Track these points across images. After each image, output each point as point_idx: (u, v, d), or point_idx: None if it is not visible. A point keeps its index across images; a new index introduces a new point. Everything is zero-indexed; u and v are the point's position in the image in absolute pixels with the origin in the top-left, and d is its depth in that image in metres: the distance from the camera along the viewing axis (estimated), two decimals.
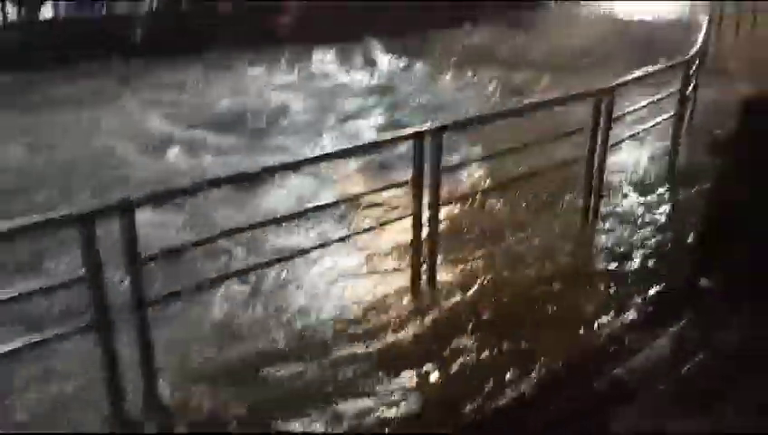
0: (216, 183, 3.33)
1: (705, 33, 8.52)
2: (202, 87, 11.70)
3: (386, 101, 10.56)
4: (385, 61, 15.26)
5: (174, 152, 7.41)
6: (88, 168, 6.82)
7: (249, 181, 4.57)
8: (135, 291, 2.74)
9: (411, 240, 3.90)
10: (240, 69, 13.41)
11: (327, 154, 3.94)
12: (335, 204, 4.21)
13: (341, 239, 4.14)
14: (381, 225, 4.29)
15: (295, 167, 4.17)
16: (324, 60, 15.60)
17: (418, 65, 14.23)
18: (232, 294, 3.84)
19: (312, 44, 16.17)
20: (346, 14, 19.12)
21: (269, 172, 4.08)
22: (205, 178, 3.34)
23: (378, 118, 9.50)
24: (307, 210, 3.90)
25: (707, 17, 10.58)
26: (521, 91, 10.80)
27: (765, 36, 13.78)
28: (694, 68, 6.76)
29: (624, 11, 27.85)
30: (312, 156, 3.74)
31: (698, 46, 7.13)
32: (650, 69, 5.86)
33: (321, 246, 3.90)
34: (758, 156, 3.56)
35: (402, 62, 14.76)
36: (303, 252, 3.87)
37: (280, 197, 5.39)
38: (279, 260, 3.73)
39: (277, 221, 3.82)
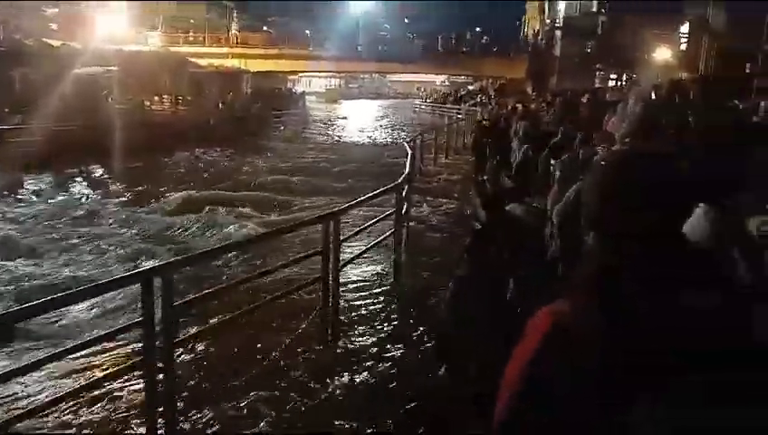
0: None
1: (410, 159, 9.83)
2: None
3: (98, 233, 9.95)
4: (104, 187, 14.53)
5: None
6: None
7: None
8: None
9: (146, 392, 3.55)
10: None
11: (35, 305, 3.44)
12: (49, 359, 3.67)
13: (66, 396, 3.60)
14: (104, 380, 3.81)
15: None
16: (39, 187, 14.24)
17: (138, 192, 13.67)
18: None
19: (27, 171, 14.79)
20: (74, 138, 17.95)
21: None
22: None
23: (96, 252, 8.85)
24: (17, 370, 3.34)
25: (411, 144, 12.30)
26: (244, 214, 11.06)
27: (459, 160, 16.40)
28: (405, 191, 7.69)
29: (346, 135, 31.09)
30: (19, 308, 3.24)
31: (407, 172, 8.15)
32: (368, 194, 6.48)
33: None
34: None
35: (121, 188, 14.11)
36: None
37: None
38: None
39: None
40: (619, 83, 27.46)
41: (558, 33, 37.52)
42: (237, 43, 44.64)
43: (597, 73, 33.14)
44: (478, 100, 40.17)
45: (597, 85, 26.68)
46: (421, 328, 5.39)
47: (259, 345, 4.95)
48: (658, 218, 1.11)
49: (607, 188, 1.16)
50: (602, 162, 1.24)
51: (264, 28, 52.55)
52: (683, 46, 25.93)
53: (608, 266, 1.11)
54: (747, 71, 16.58)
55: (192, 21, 46.50)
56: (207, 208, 11.70)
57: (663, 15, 25.58)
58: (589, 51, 34.65)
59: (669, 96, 8.03)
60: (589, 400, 1.00)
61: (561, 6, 38.01)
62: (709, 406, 0.97)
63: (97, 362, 4.61)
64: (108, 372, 4.07)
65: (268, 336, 5.13)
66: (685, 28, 25.98)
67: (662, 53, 25.64)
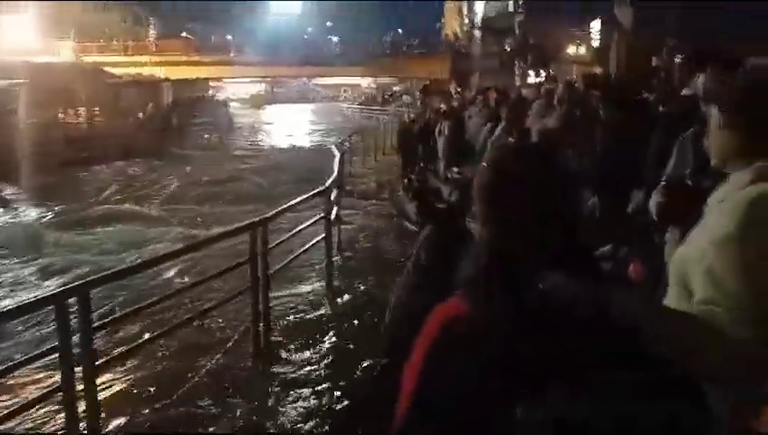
0: None
1: (338, 163, 9.78)
2: None
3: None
4: (15, 206, 13.74)
5: None
6: None
7: None
8: None
9: (66, 420, 3.36)
10: None
11: None
12: None
13: None
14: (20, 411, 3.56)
15: None
16: None
17: (53, 210, 12.94)
18: None
19: None
20: None
21: None
22: None
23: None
24: None
25: (338, 147, 12.24)
26: (168, 228, 10.71)
27: (388, 161, 16.47)
28: (334, 194, 7.65)
29: (272, 141, 30.67)
30: None
31: (335, 176, 8.10)
32: (297, 199, 6.39)
33: None
34: None
35: (35, 206, 13.34)
36: None
37: None
38: None
39: None
40: (537, 80, 28.41)
41: (477, 32, 38.42)
42: (155, 50, 43.26)
43: (517, 71, 34.14)
44: (404, 100, 40.57)
45: (518, 82, 27.49)
46: (356, 334, 5.35)
47: (188, 362, 4.79)
48: (549, 211, 1.14)
49: (496, 179, 1.18)
50: (495, 155, 1.26)
51: (183, 34, 51.16)
52: (595, 43, 27.10)
53: (507, 253, 1.12)
54: (654, 64, 17.46)
55: (106, 30, 44.68)
56: (129, 224, 11.24)
57: (575, 14, 26.73)
58: (508, 49, 35.67)
59: (584, 92, 8.34)
60: (491, 393, 1.00)
61: (479, 8, 38.92)
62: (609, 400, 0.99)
63: (12, 391, 4.33)
64: (26, 401, 3.82)
65: (197, 352, 4.97)
66: (596, 25, 27.16)
67: (576, 50, 26.70)
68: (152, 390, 4.38)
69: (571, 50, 26.58)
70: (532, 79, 29.61)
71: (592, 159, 5.14)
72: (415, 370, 1.11)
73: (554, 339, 1.00)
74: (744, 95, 1.38)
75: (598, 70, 20.67)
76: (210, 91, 51.54)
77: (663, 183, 2.52)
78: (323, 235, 6.73)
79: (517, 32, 35.18)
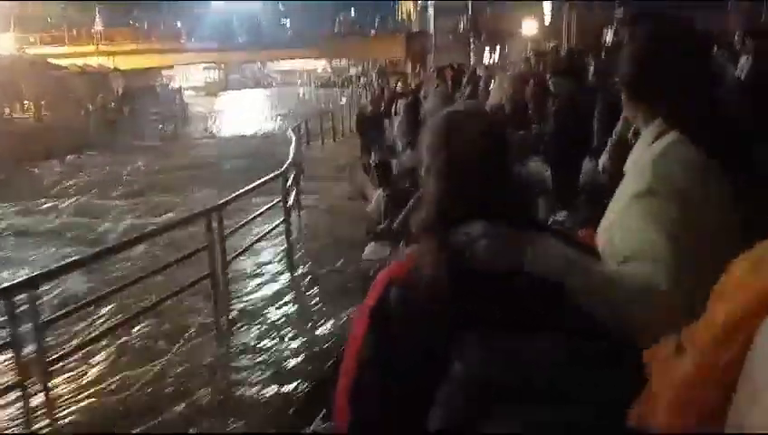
0: None
1: (295, 146, 9.72)
2: None
3: None
4: None
5: None
6: None
7: None
8: None
9: (24, 415, 3.29)
10: None
11: None
12: None
13: None
14: None
15: None
16: None
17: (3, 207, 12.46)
18: None
19: None
20: None
21: None
22: None
23: None
24: None
25: (295, 131, 12.13)
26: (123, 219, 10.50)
27: (346, 143, 16.39)
28: (291, 178, 7.58)
29: (229, 128, 30.14)
30: None
31: (291, 159, 8.04)
32: (252, 184, 6.32)
33: None
34: None
35: None
36: None
37: None
38: None
39: None
40: (492, 57, 28.57)
41: (431, 11, 38.31)
42: (102, 40, 41.86)
43: (472, 48, 34.22)
44: (361, 82, 40.30)
45: (472, 60, 27.56)
46: (318, 314, 5.34)
47: (149, 352, 4.72)
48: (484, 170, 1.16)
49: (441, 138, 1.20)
50: (443, 114, 1.28)
51: (131, 22, 49.56)
52: (548, 18, 27.31)
53: (450, 213, 1.13)
54: (605, 39, 17.74)
55: (49, 20, 42.98)
56: (82, 217, 10.96)
57: None
58: (462, 28, 35.71)
59: (535, 66, 8.44)
60: (439, 351, 1.01)
61: None
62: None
63: None
64: None
65: (158, 342, 4.91)
66: (548, 2, 27.36)
67: (529, 27, 26.90)
68: (112, 381, 4.31)
69: (525, 26, 26.79)
70: (486, 55, 29.76)
71: (544, 131, 5.24)
72: (360, 336, 1.11)
73: (482, 293, 1.02)
74: (626, 67, 1.42)
75: (551, 45, 20.87)
76: (163, 80, 50.29)
77: (612, 142, 2.60)
78: (283, 218, 6.69)
79: (470, 10, 35.24)
